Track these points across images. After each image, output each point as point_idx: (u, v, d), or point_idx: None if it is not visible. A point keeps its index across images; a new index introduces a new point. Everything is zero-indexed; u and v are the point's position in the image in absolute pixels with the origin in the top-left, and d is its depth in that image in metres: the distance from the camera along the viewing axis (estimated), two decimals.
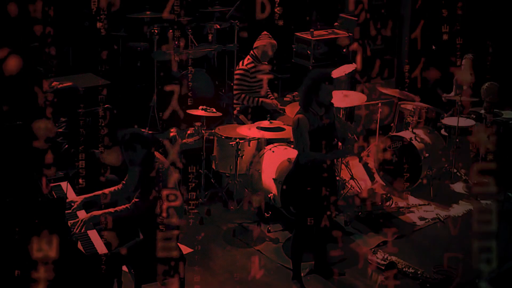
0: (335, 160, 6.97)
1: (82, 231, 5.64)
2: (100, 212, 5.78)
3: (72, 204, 5.94)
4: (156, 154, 5.94)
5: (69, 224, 5.62)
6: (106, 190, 6.08)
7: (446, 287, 6.67)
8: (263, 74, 8.56)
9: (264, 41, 8.53)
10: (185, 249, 6.67)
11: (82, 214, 5.84)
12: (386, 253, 7.06)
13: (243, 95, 8.53)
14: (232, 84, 8.88)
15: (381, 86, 9.12)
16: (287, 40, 9.81)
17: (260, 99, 8.56)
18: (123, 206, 5.81)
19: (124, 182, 6.12)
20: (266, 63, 8.67)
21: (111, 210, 5.79)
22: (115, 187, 6.12)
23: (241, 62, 8.64)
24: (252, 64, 8.55)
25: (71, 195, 6.05)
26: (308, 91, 6.32)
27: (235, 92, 8.58)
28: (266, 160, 7.79)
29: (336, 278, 6.81)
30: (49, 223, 5.14)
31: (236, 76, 8.61)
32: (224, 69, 9.85)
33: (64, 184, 6.17)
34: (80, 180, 6.42)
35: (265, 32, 8.61)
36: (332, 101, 6.44)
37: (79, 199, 5.99)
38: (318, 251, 6.84)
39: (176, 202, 5.77)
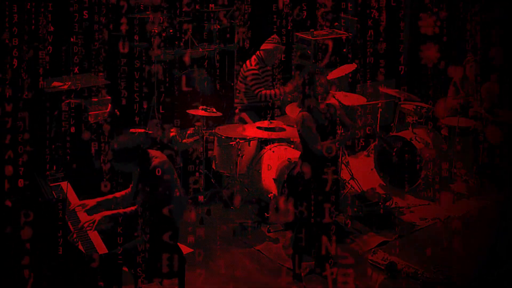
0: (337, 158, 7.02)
1: (92, 229, 5.65)
2: (110, 212, 5.79)
3: (89, 225, 5.91)
4: (154, 152, 5.91)
5: (70, 225, 5.62)
6: (118, 194, 6.06)
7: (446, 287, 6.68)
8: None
9: (271, 45, 8.51)
10: (185, 249, 6.67)
11: (83, 216, 5.83)
12: (386, 253, 7.07)
13: (263, 91, 8.47)
14: (232, 84, 8.87)
15: (382, 87, 9.13)
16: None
17: (281, 89, 8.54)
18: (132, 208, 5.81)
19: (132, 184, 6.09)
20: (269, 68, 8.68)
21: (121, 211, 5.80)
22: (125, 191, 6.10)
23: (248, 62, 8.60)
24: (258, 66, 8.53)
25: (71, 195, 6.05)
26: (303, 87, 6.39)
27: (256, 91, 8.50)
28: (266, 160, 7.79)
29: (336, 277, 6.81)
30: (49, 223, 5.16)
31: (250, 77, 8.51)
32: (225, 69, 9.86)
33: (64, 184, 6.18)
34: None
35: (274, 36, 8.60)
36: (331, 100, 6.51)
37: (92, 202, 5.97)
38: (318, 249, 6.84)
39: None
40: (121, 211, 5.80)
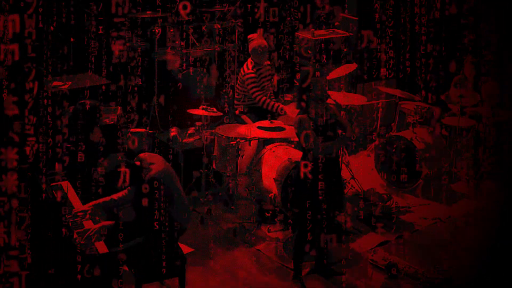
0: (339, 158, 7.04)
1: (93, 240, 5.65)
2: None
3: (79, 214, 5.93)
4: (150, 158, 5.90)
5: (70, 225, 5.63)
6: (115, 196, 6.06)
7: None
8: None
9: (251, 43, 8.52)
10: (186, 249, 6.68)
11: (88, 224, 5.84)
12: (386, 253, 7.07)
13: (263, 98, 8.43)
14: (232, 84, 8.88)
15: (382, 86, 9.14)
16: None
17: (281, 106, 8.49)
18: (123, 192, 5.93)
19: (129, 188, 6.05)
20: (268, 62, 8.67)
21: (112, 198, 5.95)
22: (122, 193, 6.10)
23: (245, 66, 8.58)
24: (255, 69, 8.51)
25: (72, 195, 6.06)
26: (302, 89, 6.41)
27: (254, 95, 8.45)
28: (266, 160, 7.79)
29: (336, 278, 6.82)
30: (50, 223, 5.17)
31: (248, 81, 8.49)
32: (225, 69, 9.86)
33: (65, 184, 6.18)
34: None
35: (251, 35, 8.61)
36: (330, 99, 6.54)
37: (88, 207, 5.99)
38: (319, 250, 6.84)
39: None
40: (113, 197, 5.94)
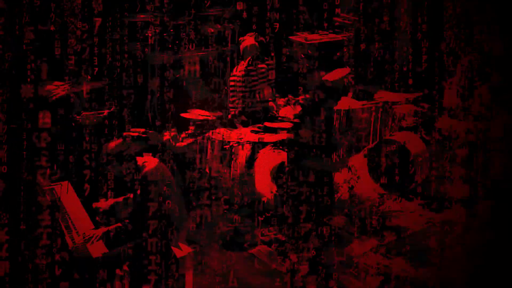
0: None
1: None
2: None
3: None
4: (144, 157, 5.91)
5: (70, 224, 5.62)
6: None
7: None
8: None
9: (242, 44, 8.57)
10: (185, 249, 6.67)
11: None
12: (381, 256, 7.09)
13: (239, 101, 8.48)
14: (226, 87, 8.89)
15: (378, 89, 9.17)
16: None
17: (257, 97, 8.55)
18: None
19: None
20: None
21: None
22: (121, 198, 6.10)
23: (235, 67, 8.62)
24: (244, 72, 8.51)
25: (72, 195, 6.04)
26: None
27: (231, 99, 8.54)
28: (259, 163, 7.80)
29: (330, 281, 6.83)
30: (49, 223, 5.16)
31: (230, 83, 8.57)
32: (223, 72, 9.88)
33: (65, 184, 6.16)
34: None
35: (242, 37, 8.65)
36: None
37: (106, 204, 5.99)
38: (317, 251, 6.87)
39: None
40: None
